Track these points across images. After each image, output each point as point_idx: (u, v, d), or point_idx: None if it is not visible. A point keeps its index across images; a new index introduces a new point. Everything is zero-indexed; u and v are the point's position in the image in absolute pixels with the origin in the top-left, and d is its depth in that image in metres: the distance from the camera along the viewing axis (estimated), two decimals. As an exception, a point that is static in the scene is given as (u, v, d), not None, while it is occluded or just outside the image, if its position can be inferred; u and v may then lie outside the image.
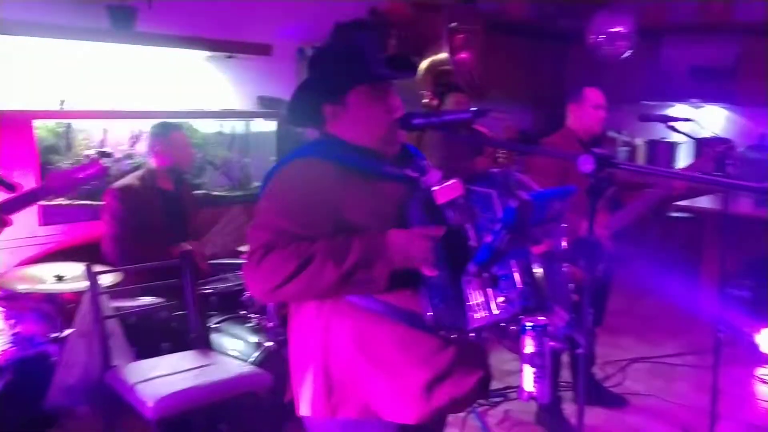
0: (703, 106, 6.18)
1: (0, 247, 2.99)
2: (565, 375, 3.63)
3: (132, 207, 3.46)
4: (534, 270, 1.55)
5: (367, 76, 1.74)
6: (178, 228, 3.63)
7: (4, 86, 3.61)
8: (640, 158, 6.48)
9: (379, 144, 1.76)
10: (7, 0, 3.51)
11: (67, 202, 3.68)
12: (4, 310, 3.00)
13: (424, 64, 4.79)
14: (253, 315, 3.31)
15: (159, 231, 3.50)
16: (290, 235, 1.59)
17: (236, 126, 4.71)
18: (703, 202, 4.94)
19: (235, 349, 3.13)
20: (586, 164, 1.48)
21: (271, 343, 3.07)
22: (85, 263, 2.98)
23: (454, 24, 4.73)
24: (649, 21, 6.03)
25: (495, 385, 3.51)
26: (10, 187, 2.13)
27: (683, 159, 6.24)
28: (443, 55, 4.71)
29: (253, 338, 3.16)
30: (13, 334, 2.90)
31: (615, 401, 3.72)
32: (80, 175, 2.26)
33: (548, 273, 1.58)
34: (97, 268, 2.71)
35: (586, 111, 3.39)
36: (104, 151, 2.36)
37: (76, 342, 2.59)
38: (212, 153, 4.50)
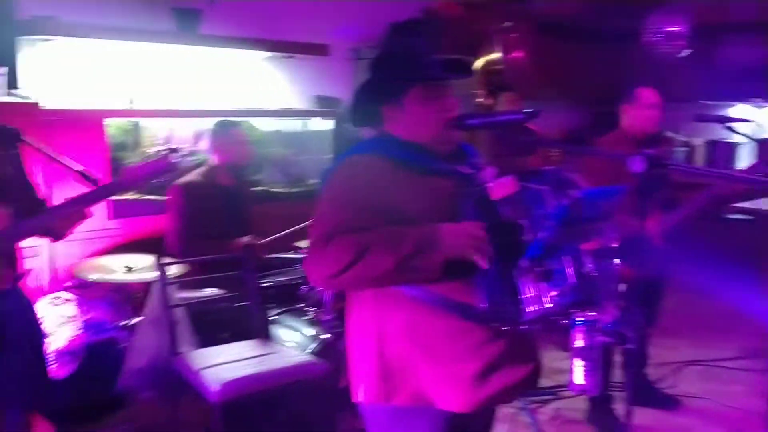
0: (764, 106, 6.04)
1: (74, 238, 3.16)
2: (617, 375, 3.62)
3: (194, 202, 3.60)
4: (585, 266, 1.60)
5: (423, 78, 1.82)
6: (237, 222, 3.76)
7: (77, 86, 3.81)
8: (699, 159, 6.38)
9: (435, 142, 1.83)
10: (79, 4, 3.71)
11: (135, 196, 3.87)
12: (77, 297, 3.18)
13: (478, 64, 4.84)
14: (309, 308, 3.42)
15: (219, 225, 3.63)
16: (347, 227, 1.67)
17: (293, 124, 4.84)
18: (762, 203, 4.84)
19: (292, 341, 3.24)
20: (637, 164, 1.52)
21: (327, 335, 3.17)
22: (151, 255, 3.14)
23: (507, 23, 4.77)
24: (706, 19, 5.93)
25: (546, 382, 3.54)
26: (93, 181, 2.27)
27: (743, 159, 6.12)
28: (496, 55, 4.75)
29: (310, 330, 3.27)
30: (85, 321, 3.07)
31: (667, 402, 3.69)
32: (151, 170, 2.37)
33: (598, 269, 1.62)
34: (165, 260, 2.85)
35: (639, 111, 3.38)
36: (173, 147, 2.46)
37: (146, 329, 2.74)
38: (270, 151, 4.63)
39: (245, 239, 3.51)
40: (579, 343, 1.61)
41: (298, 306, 3.51)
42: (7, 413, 2.30)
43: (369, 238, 1.65)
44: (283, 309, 3.50)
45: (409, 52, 1.87)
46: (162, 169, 2.40)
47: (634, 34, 5.40)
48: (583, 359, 1.61)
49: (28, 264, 2.36)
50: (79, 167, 2.21)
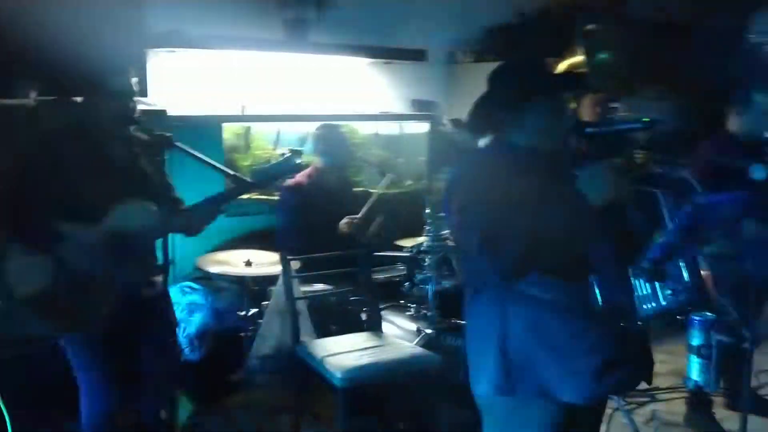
0: None
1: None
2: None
3: (300, 202, 3.82)
4: (701, 267, 1.69)
5: (547, 90, 1.93)
6: (339, 221, 3.96)
7: (196, 94, 4.10)
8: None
9: (553, 149, 1.94)
10: (196, 17, 3.98)
11: (247, 196, 4.12)
12: (201, 288, 3.44)
13: (560, 67, 4.82)
14: (411, 304, 3.58)
15: (325, 224, 3.84)
16: (496, 225, 1.76)
17: (391, 127, 5.00)
18: None
19: (395, 335, 3.40)
20: (758, 172, 1.59)
21: (429, 331, 3.32)
22: (261, 251, 3.37)
23: (591, 26, 4.71)
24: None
25: (643, 385, 3.56)
26: (242, 183, 2.49)
27: None
28: (578, 58, 4.67)
29: (412, 326, 3.43)
30: (209, 310, 3.33)
31: (770, 410, 3.65)
32: (279, 171, 2.57)
33: (715, 270, 1.71)
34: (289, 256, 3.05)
35: (754, 117, 3.35)
36: (297, 150, 2.66)
37: (271, 318, 2.97)
38: (370, 153, 4.81)
39: (345, 221, 3.68)
40: (696, 340, 1.69)
41: (400, 302, 3.67)
42: (153, 392, 2.56)
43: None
44: (387, 305, 3.66)
45: (531, 64, 1.99)
46: (288, 170, 2.61)
47: (740, 32, 5.28)
48: (700, 357, 1.69)
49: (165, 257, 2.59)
50: (231, 171, 2.43)
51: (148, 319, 2.59)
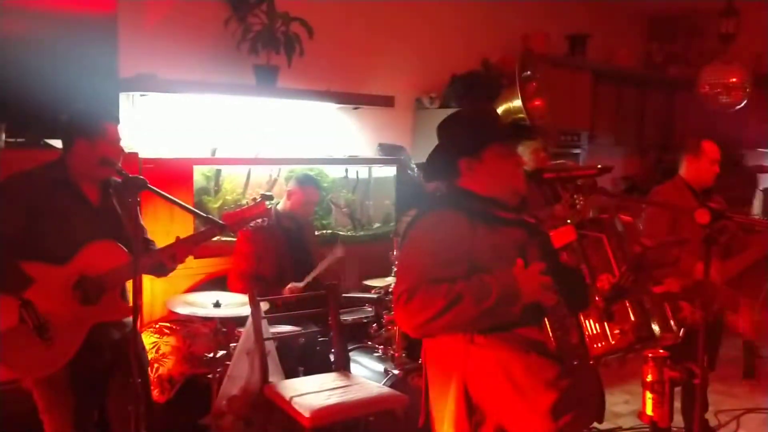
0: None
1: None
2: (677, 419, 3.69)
3: (261, 246, 3.83)
4: (647, 306, 1.78)
5: (501, 136, 2.03)
6: (300, 263, 3.97)
7: (168, 137, 4.16)
8: (755, 206, 6.42)
9: (508, 195, 2.03)
10: (169, 62, 4.07)
11: (216, 238, 4.14)
12: (170, 330, 3.45)
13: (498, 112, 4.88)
14: (378, 345, 3.62)
15: (282, 267, 3.85)
16: (432, 279, 1.86)
17: (359, 171, 5.09)
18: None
19: (363, 376, 3.44)
20: (703, 216, 1.71)
21: (396, 371, 3.36)
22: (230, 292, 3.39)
23: (527, 73, 4.86)
24: (763, 68, 6.03)
25: (604, 425, 3.64)
26: (218, 225, 2.55)
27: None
28: (517, 103, 4.76)
29: (379, 366, 3.47)
30: (178, 351, 3.33)
31: (729, 448, 3.73)
32: (251, 215, 2.65)
33: (660, 310, 1.80)
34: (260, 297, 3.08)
35: (704, 165, 3.50)
36: (268, 194, 2.75)
37: (239, 358, 2.98)
38: (338, 195, 4.89)
39: (288, 286, 3.69)
40: (650, 377, 1.78)
41: (368, 343, 3.71)
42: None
43: (456, 287, 1.83)
44: (354, 346, 3.70)
45: (490, 114, 2.11)
46: (259, 213, 2.68)
47: (690, 82, 5.55)
48: (653, 392, 1.78)
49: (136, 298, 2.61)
50: (205, 213, 2.48)
51: (117, 360, 2.60)
